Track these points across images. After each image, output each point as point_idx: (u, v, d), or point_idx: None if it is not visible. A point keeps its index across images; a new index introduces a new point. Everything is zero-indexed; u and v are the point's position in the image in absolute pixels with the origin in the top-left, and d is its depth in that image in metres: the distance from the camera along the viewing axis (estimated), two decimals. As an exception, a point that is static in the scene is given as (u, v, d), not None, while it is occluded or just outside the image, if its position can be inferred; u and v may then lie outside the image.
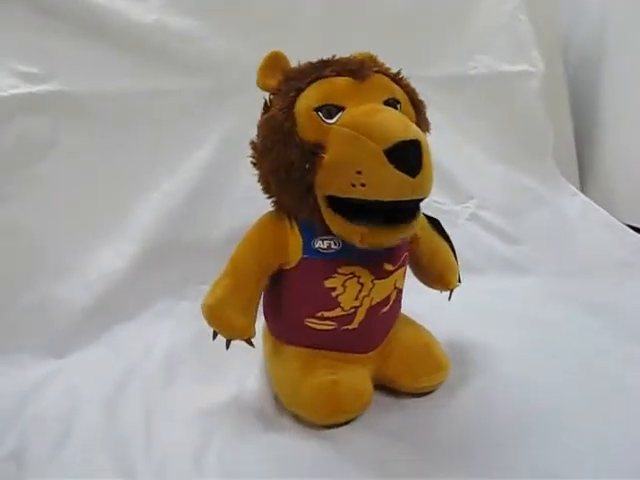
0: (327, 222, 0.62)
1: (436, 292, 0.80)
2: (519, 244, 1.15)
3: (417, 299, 0.79)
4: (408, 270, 0.77)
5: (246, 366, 0.79)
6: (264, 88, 0.67)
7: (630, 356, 0.79)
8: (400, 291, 0.73)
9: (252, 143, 0.66)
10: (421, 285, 0.80)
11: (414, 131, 0.58)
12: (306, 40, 0.97)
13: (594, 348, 0.82)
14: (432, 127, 1.16)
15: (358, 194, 0.57)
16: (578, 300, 0.96)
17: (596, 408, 0.69)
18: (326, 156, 0.59)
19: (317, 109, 0.61)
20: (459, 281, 0.80)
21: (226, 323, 0.67)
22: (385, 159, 0.55)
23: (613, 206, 1.26)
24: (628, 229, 1.18)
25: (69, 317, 0.87)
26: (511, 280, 1.07)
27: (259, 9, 1.01)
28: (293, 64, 0.67)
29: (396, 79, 0.67)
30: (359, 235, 0.60)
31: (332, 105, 0.61)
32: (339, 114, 0.61)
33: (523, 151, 1.22)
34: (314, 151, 0.59)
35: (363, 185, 0.57)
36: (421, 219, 0.75)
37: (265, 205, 0.70)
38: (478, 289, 1.02)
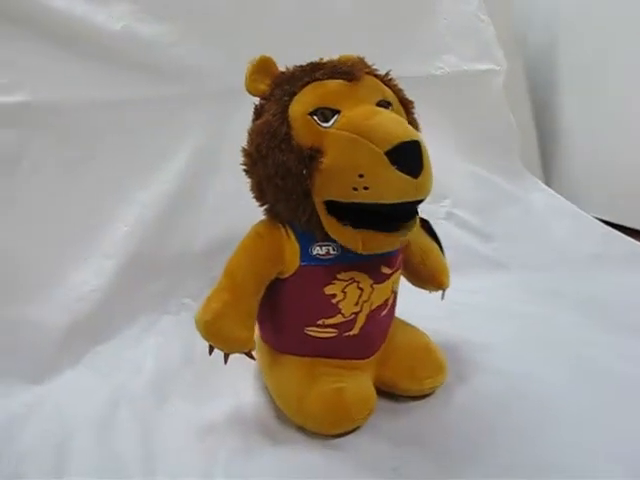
0: (326, 229, 0.61)
1: (420, 293, 0.80)
2: (494, 241, 1.16)
3: (401, 301, 0.79)
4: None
5: (239, 380, 0.77)
6: (254, 93, 0.65)
7: (615, 345, 0.81)
8: (396, 294, 0.72)
9: (244, 150, 0.64)
10: (405, 287, 0.78)
11: (413, 132, 0.58)
12: (275, 43, 0.95)
13: (581, 340, 0.83)
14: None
15: (361, 198, 0.56)
16: (556, 293, 0.98)
17: (592, 399, 0.69)
18: (325, 160, 0.58)
19: (312, 113, 0.60)
20: (447, 280, 0.81)
21: (226, 337, 0.65)
22: (387, 161, 0.55)
23: (576, 199, 1.29)
24: (595, 220, 1.22)
25: (48, 340, 0.82)
26: (491, 277, 1.08)
27: (228, 14, 0.99)
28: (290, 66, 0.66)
29: (385, 80, 0.67)
30: (360, 241, 0.59)
31: (327, 108, 0.60)
32: (335, 117, 0.60)
33: (490, 149, 1.24)
34: (312, 156, 0.58)
35: (366, 188, 0.56)
36: (412, 220, 0.75)
37: (243, 213, 0.68)
38: (460, 287, 1.02)
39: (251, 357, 0.67)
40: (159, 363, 0.83)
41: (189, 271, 0.90)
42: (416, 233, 0.74)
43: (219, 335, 0.65)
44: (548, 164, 1.41)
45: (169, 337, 0.88)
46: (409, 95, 1.17)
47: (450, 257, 1.09)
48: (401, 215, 0.60)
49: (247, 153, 0.64)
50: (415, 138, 0.57)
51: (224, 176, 0.96)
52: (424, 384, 0.71)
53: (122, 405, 0.74)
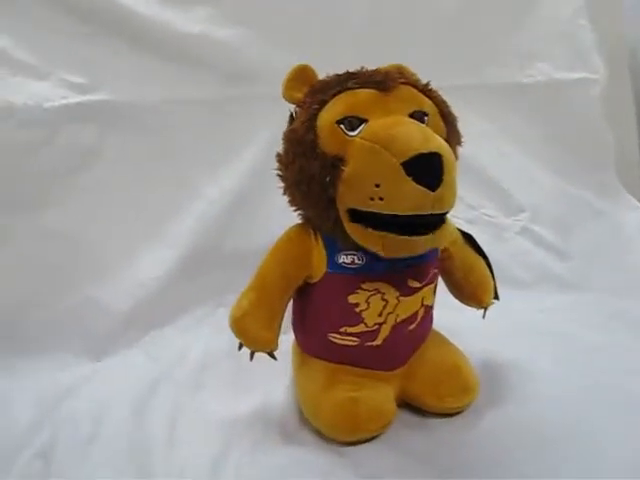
0: (349, 233, 0.61)
1: (462, 307, 0.77)
2: (572, 260, 1.09)
3: (457, 316, 0.78)
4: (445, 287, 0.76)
5: (276, 376, 0.79)
6: (290, 100, 0.67)
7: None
8: (429, 308, 0.71)
9: (278, 155, 0.66)
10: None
11: (435, 143, 0.56)
12: (351, 50, 0.97)
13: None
14: (483, 137, 1.14)
15: (376, 208, 0.56)
16: (630, 322, 0.90)
17: (632, 436, 0.64)
18: (346, 169, 0.58)
19: (339, 121, 0.60)
20: (497, 298, 0.78)
21: (250, 336, 0.67)
22: (403, 172, 0.54)
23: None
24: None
25: (110, 321, 0.90)
26: (561, 298, 1.02)
27: (306, 19, 1.01)
28: (331, 74, 0.66)
29: (425, 90, 0.65)
30: (380, 243, 0.59)
31: (354, 117, 0.60)
32: (361, 126, 0.60)
33: (581, 162, 1.17)
34: (334, 164, 0.59)
35: (381, 199, 0.56)
36: (455, 234, 0.73)
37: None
38: (524, 306, 0.99)
39: (273, 357, 0.69)
40: (206, 353, 0.87)
41: (247, 266, 0.94)
42: (460, 248, 0.73)
43: (244, 333, 0.67)
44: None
45: (221, 329, 0.91)
46: (497, 104, 1.15)
47: (518, 273, 1.06)
48: (420, 227, 0.58)
49: (279, 158, 0.66)
50: (436, 150, 0.55)
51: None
52: (446, 402, 0.69)
53: (162, 388, 0.79)
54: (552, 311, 0.97)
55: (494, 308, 0.78)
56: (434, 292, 0.70)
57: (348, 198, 0.59)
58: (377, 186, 0.56)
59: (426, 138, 0.56)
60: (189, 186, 0.99)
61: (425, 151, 0.54)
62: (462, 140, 0.67)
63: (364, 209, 0.58)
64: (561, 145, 1.16)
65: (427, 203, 0.55)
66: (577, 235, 1.12)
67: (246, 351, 0.69)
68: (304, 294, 0.69)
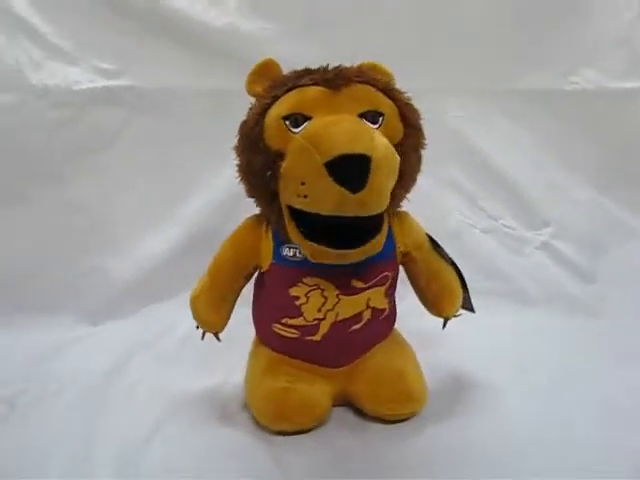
0: (288, 231, 0.62)
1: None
2: (593, 282, 1.03)
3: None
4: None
5: (242, 359, 0.80)
6: (250, 93, 0.68)
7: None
8: (379, 311, 0.69)
9: (234, 146, 0.68)
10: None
11: (364, 145, 0.54)
12: (379, 45, 0.95)
13: (603, 405, 0.73)
14: (515, 145, 1.08)
15: (302, 205, 0.57)
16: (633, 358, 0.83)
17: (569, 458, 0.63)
18: (283, 165, 0.59)
19: (286, 117, 0.61)
20: (472, 311, 0.75)
21: (199, 317, 0.72)
22: (325, 172, 0.54)
23: None
24: None
25: (113, 290, 0.98)
26: (566, 320, 0.95)
27: (332, 12, 1.02)
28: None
29: (386, 90, 0.64)
30: (310, 251, 0.60)
31: (300, 114, 0.60)
32: (305, 124, 0.60)
33: (622, 177, 1.09)
34: (275, 160, 0.60)
35: (305, 197, 0.56)
36: (420, 238, 0.71)
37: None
38: (521, 323, 0.96)
39: (217, 339, 0.73)
40: (192, 330, 0.90)
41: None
42: (425, 253, 0.71)
43: (195, 314, 0.72)
44: None
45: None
46: (534, 111, 1.09)
47: (527, 288, 1.01)
48: (350, 230, 0.58)
49: (235, 150, 0.67)
50: (363, 152, 0.53)
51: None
52: (383, 408, 0.69)
53: (137, 358, 0.85)
54: (548, 332, 0.92)
55: (488, 321, 0.77)
56: (386, 295, 0.69)
57: (284, 194, 0.60)
58: (302, 184, 0.56)
59: (355, 138, 0.55)
60: (202, 171, 1.03)
61: (349, 152, 0.53)
62: (425, 143, 0.66)
63: (294, 206, 0.59)
64: (602, 158, 1.09)
65: (348, 205, 0.54)
66: (604, 255, 1.05)
67: (230, 330, 0.73)
68: (259, 283, 0.71)
